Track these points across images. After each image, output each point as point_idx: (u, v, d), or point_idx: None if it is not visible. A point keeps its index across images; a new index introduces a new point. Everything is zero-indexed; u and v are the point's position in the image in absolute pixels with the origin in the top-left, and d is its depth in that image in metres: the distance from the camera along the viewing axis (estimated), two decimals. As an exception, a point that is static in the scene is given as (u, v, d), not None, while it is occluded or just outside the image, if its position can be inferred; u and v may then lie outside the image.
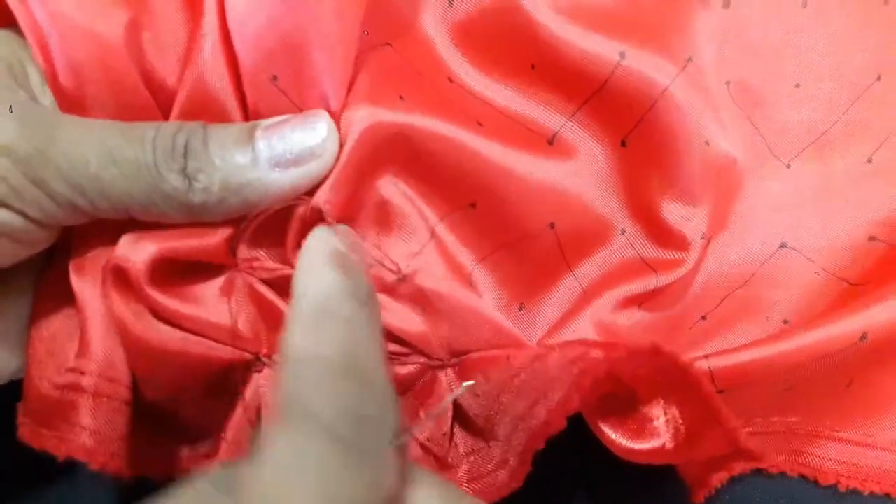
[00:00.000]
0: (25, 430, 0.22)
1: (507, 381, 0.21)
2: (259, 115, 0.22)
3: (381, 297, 0.22)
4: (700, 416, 0.19)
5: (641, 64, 0.22)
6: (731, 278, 0.25)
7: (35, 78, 0.21)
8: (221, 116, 0.21)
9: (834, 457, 0.25)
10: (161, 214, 0.21)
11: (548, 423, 0.18)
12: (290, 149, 0.21)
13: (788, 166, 0.25)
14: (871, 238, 0.24)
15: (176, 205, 0.20)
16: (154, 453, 0.23)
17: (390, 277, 0.22)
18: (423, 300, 0.22)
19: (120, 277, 0.20)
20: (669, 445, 0.20)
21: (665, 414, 0.20)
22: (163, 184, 0.20)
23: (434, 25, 0.25)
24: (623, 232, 0.24)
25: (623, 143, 0.24)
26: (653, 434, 0.20)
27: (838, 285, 0.25)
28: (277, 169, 0.21)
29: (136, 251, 0.20)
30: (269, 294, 0.22)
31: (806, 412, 0.25)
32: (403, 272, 0.22)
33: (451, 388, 0.22)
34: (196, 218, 0.21)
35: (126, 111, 0.21)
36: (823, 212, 0.24)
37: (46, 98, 0.21)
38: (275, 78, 0.21)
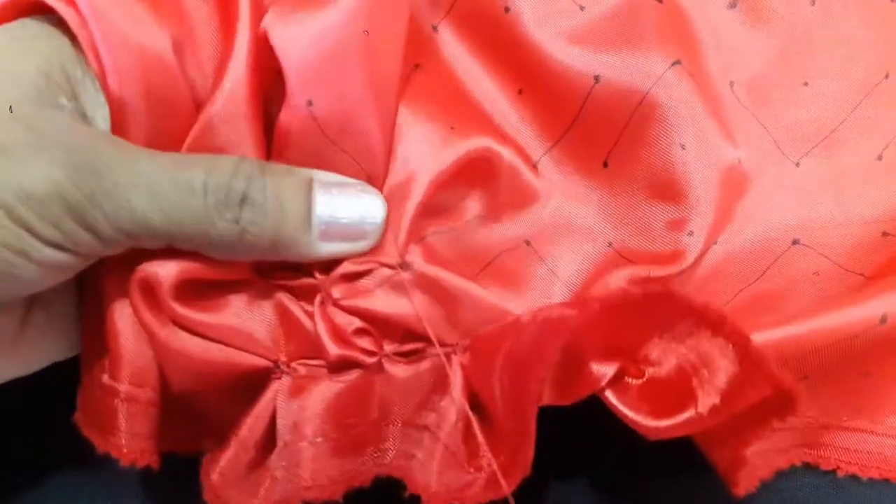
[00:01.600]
0: (79, 420, 0.24)
1: (499, 352, 0.22)
2: (290, 136, 0.22)
3: (394, 296, 0.23)
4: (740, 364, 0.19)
5: (619, 79, 0.23)
6: (745, 274, 0.25)
7: (87, 80, 0.21)
8: (240, 133, 0.22)
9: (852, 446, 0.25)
10: (204, 249, 0.21)
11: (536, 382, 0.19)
12: (344, 225, 0.22)
13: (798, 164, 0.25)
14: (885, 234, 0.24)
15: (221, 248, 0.21)
16: (175, 433, 0.24)
17: (394, 261, 0.23)
18: (427, 286, 0.23)
19: (146, 289, 0.21)
20: (702, 408, 0.20)
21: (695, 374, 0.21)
22: (212, 230, 0.20)
23: (444, 37, 0.26)
24: (609, 245, 0.25)
25: (605, 164, 0.25)
26: (687, 401, 0.21)
27: (854, 279, 0.25)
28: (325, 239, 0.22)
29: (163, 266, 0.21)
30: (289, 303, 0.23)
31: (821, 406, 0.25)
32: (405, 260, 0.23)
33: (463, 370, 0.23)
34: (235, 258, 0.22)
35: (168, 120, 0.22)
36: (835, 209, 0.24)
37: (88, 95, 0.21)
38: (310, 103, 0.21)
